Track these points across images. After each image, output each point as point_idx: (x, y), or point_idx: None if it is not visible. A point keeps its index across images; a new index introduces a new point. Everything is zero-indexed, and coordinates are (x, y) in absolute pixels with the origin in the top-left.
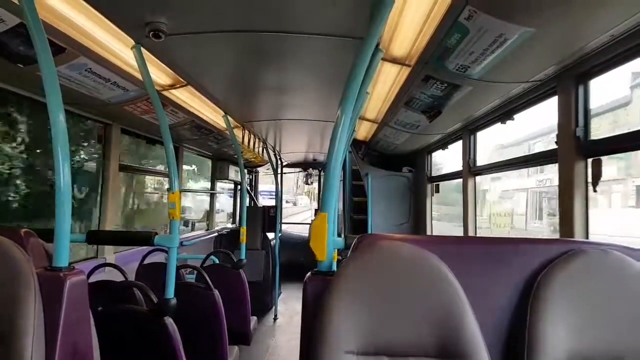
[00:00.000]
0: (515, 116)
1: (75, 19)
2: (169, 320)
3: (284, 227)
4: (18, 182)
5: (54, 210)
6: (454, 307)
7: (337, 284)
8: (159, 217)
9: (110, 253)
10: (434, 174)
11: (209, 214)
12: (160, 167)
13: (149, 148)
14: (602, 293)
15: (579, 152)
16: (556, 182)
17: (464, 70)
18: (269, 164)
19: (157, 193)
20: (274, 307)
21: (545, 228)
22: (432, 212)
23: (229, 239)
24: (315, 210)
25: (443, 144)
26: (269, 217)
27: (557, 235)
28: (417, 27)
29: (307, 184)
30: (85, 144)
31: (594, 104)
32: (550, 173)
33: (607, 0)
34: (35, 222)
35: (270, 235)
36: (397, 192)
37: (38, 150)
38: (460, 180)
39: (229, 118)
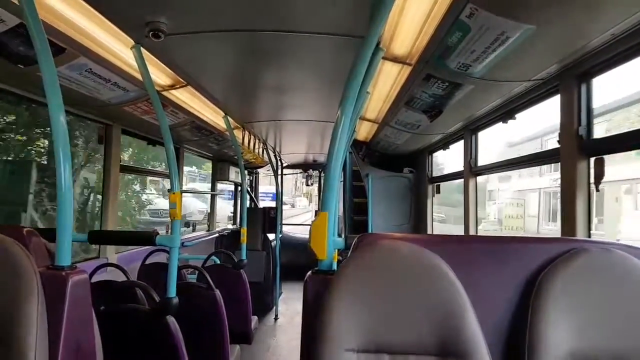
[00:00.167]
0: (522, 113)
1: (75, 19)
2: (171, 320)
3: (284, 229)
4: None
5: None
6: (455, 306)
7: (338, 282)
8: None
9: (112, 253)
10: (435, 174)
11: (210, 215)
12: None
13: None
14: (604, 292)
15: (581, 151)
16: None
17: (466, 69)
18: (269, 165)
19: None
20: (274, 307)
21: (560, 230)
22: (437, 214)
23: (229, 240)
24: (316, 212)
25: (444, 144)
26: (269, 218)
27: None
28: (418, 26)
29: (307, 185)
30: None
31: (621, 94)
32: None
33: None
34: None
35: (271, 236)
36: (398, 192)
37: None
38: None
39: (229, 119)
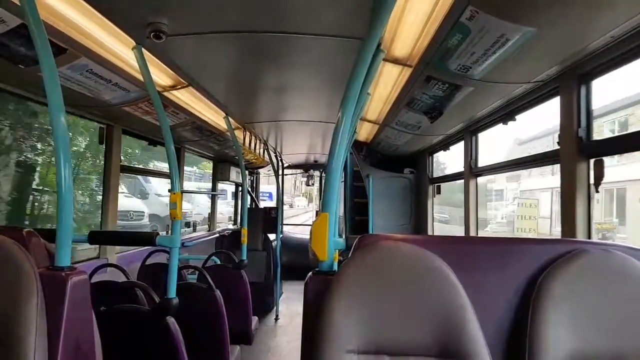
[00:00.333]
0: (532, 110)
1: (76, 20)
2: (171, 320)
3: (284, 229)
4: None
5: None
6: (455, 307)
7: (338, 283)
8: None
9: (112, 254)
10: (436, 174)
11: (211, 215)
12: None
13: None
14: (604, 293)
15: (580, 152)
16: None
17: (466, 71)
18: (270, 165)
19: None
20: (275, 308)
21: None
22: (440, 214)
23: (230, 240)
24: (317, 212)
25: (444, 145)
26: (270, 218)
27: None
28: (419, 28)
29: (308, 185)
30: None
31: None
32: None
33: (608, 0)
34: None
35: (271, 236)
36: (398, 193)
37: None
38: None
39: (230, 119)
